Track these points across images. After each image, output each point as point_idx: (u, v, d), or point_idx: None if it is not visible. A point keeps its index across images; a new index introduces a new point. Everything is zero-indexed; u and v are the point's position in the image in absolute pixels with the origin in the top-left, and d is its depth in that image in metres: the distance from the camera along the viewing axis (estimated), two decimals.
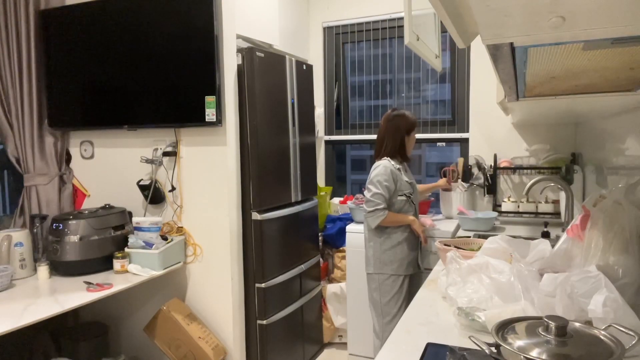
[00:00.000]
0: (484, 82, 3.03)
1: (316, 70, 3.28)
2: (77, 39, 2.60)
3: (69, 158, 2.82)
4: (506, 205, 2.90)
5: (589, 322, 1.07)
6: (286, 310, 2.71)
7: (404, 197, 2.46)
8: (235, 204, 2.47)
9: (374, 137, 3.46)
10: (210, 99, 2.32)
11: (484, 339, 1.03)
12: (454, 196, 3.01)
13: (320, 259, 3.19)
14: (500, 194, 3.04)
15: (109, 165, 2.74)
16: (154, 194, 2.56)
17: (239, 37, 2.51)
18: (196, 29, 2.33)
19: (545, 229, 2.46)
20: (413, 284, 2.49)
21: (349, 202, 3.19)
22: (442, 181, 2.97)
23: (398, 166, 2.47)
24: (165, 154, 2.56)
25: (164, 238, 2.42)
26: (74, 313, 2.73)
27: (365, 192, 2.49)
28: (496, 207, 2.99)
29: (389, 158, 2.48)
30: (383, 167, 2.43)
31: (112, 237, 2.39)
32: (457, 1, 0.89)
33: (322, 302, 3.18)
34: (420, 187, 2.82)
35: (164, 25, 2.40)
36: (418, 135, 3.37)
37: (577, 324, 1.02)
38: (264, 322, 2.54)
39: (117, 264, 2.30)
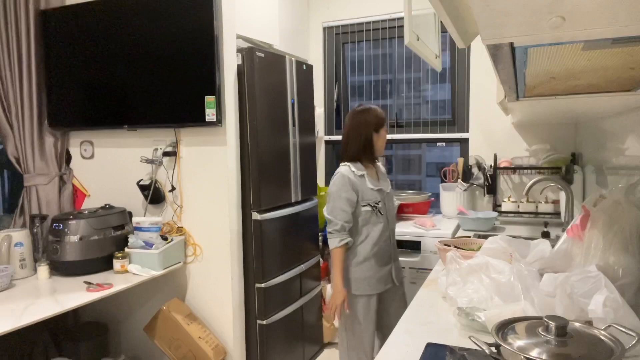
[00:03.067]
0: (484, 82, 3.03)
1: (316, 70, 3.28)
2: (77, 39, 2.60)
3: (69, 158, 2.82)
4: (506, 205, 2.90)
5: (589, 322, 1.07)
6: (286, 310, 2.71)
7: (368, 207, 2.15)
8: (235, 204, 2.47)
9: None
10: (210, 99, 2.32)
11: (484, 339, 1.03)
12: (454, 196, 3.01)
13: (320, 259, 3.19)
14: (500, 194, 3.04)
15: (109, 165, 2.74)
16: (154, 194, 2.56)
17: (239, 37, 2.51)
18: (196, 29, 2.33)
19: (545, 229, 2.46)
20: (386, 300, 2.27)
21: None
22: None
23: (361, 172, 2.16)
24: (165, 154, 2.56)
25: (164, 238, 2.42)
26: (74, 313, 2.73)
27: (325, 208, 2.20)
28: (496, 207, 2.99)
29: (349, 163, 2.18)
30: (340, 175, 2.14)
31: (112, 237, 2.39)
32: (457, 1, 0.89)
33: (322, 302, 3.18)
34: None
35: (164, 25, 2.40)
36: (418, 135, 3.40)
37: (577, 324, 1.02)
38: (264, 322, 2.54)
39: (117, 264, 2.30)
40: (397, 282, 2.27)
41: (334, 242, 2.11)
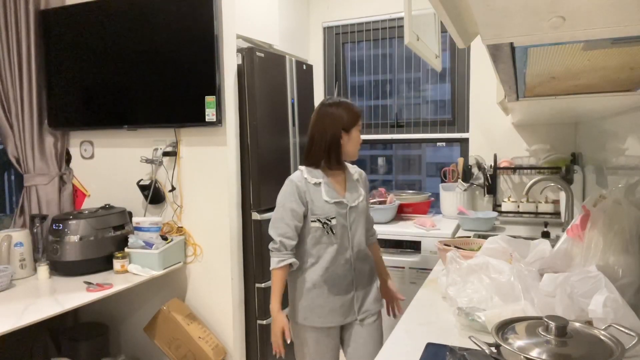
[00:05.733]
0: (484, 82, 3.03)
1: (316, 70, 3.28)
2: (77, 39, 2.60)
3: (69, 158, 2.82)
4: (506, 205, 2.90)
5: (589, 322, 1.07)
6: (286, 310, 2.70)
7: (317, 224, 1.78)
8: (235, 204, 2.47)
9: (374, 137, 3.49)
10: (210, 99, 2.32)
11: (484, 339, 1.03)
12: (454, 196, 3.01)
13: None
14: (500, 194, 3.04)
15: (109, 165, 2.74)
16: (154, 194, 2.56)
17: (239, 37, 2.51)
18: (196, 29, 2.33)
19: (545, 229, 2.46)
20: (345, 335, 1.89)
21: None
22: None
23: (316, 180, 1.79)
24: (165, 154, 2.56)
25: (164, 238, 2.42)
26: (74, 313, 2.73)
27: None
28: (496, 207, 2.99)
29: (305, 168, 1.83)
30: (288, 182, 1.82)
31: (112, 237, 2.39)
32: (457, 1, 0.89)
33: None
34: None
35: (164, 25, 2.40)
36: (418, 135, 3.39)
37: (577, 324, 1.02)
38: (264, 322, 2.54)
39: (117, 264, 2.30)
40: (359, 316, 1.85)
41: (273, 262, 1.78)
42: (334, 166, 1.84)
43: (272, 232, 1.81)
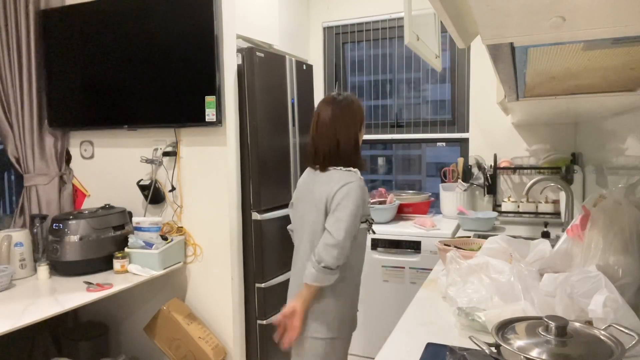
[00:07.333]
0: (484, 82, 3.03)
1: (316, 70, 3.28)
2: (77, 39, 2.60)
3: (69, 158, 2.82)
4: (506, 205, 2.90)
5: (589, 322, 1.07)
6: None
7: (365, 225, 1.69)
8: (235, 204, 2.47)
9: (374, 137, 3.49)
10: (210, 99, 2.32)
11: (484, 339, 1.03)
12: (454, 196, 3.01)
13: None
14: (500, 194, 3.04)
15: (109, 165, 2.74)
16: (154, 194, 2.56)
17: (239, 37, 2.51)
18: (196, 29, 2.33)
19: (545, 229, 2.46)
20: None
21: None
22: None
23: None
24: (165, 154, 2.56)
25: (164, 238, 2.43)
26: (74, 313, 2.73)
27: (329, 225, 1.59)
28: (496, 207, 2.99)
29: (355, 169, 1.70)
30: (358, 187, 1.62)
31: (112, 237, 2.39)
32: (457, 1, 0.89)
33: None
34: None
35: (164, 25, 2.40)
36: (418, 135, 3.39)
37: (577, 324, 1.02)
38: (264, 322, 2.54)
39: (117, 264, 2.30)
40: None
41: (330, 278, 1.57)
42: (359, 167, 1.74)
43: (348, 243, 1.58)
